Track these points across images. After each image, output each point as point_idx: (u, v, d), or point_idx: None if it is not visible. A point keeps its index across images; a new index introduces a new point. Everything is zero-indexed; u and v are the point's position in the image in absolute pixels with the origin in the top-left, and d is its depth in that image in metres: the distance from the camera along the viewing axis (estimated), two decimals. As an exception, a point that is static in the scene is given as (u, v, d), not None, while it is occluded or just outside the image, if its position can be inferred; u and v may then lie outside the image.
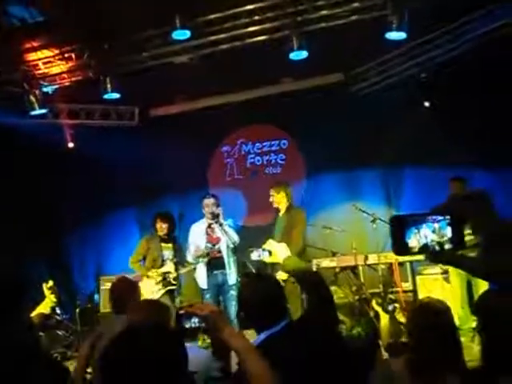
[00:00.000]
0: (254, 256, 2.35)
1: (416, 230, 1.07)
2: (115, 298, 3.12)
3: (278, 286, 1.99)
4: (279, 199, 4.85)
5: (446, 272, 4.97)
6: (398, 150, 6.05)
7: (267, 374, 1.34)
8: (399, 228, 1.07)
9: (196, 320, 1.60)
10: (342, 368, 1.79)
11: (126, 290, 3.08)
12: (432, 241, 1.05)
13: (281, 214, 4.90)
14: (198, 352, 2.33)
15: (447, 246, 1.05)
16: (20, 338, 1.75)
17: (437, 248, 1.05)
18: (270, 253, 2.22)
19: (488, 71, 5.37)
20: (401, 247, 1.07)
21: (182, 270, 5.18)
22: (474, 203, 2.29)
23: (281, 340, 1.80)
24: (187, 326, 1.74)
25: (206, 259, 4.94)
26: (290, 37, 4.93)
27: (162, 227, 5.23)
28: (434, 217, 1.06)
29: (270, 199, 4.89)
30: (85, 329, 5.70)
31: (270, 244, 2.25)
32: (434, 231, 1.06)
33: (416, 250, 1.05)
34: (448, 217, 1.05)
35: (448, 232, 1.05)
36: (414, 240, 1.07)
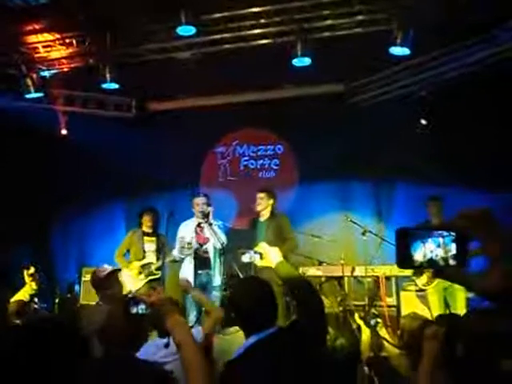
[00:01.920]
0: (245, 258, 2.32)
1: (421, 244, 1.05)
2: (95, 287, 3.14)
3: (271, 290, 1.97)
4: (267, 205, 4.92)
5: (422, 290, 4.98)
6: (391, 164, 6.08)
7: (203, 367, 1.38)
8: (404, 240, 1.05)
9: (143, 307, 1.59)
10: (326, 380, 1.77)
11: (103, 281, 3.10)
12: (437, 255, 1.04)
13: (263, 219, 4.97)
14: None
15: (451, 262, 1.04)
16: None
17: (441, 263, 1.04)
18: (261, 256, 2.19)
19: (488, 93, 5.42)
20: (405, 260, 1.05)
21: (166, 259, 5.13)
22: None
23: (270, 345, 1.77)
24: (134, 311, 1.73)
25: (190, 251, 4.86)
26: (294, 42, 4.94)
27: (146, 221, 5.30)
28: (439, 231, 1.05)
29: (257, 202, 4.92)
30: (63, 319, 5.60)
31: (263, 247, 2.21)
32: (439, 245, 1.05)
33: (420, 263, 1.05)
34: (453, 233, 1.04)
35: (452, 248, 1.04)
36: (420, 253, 1.05)
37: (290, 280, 2.08)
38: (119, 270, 3.46)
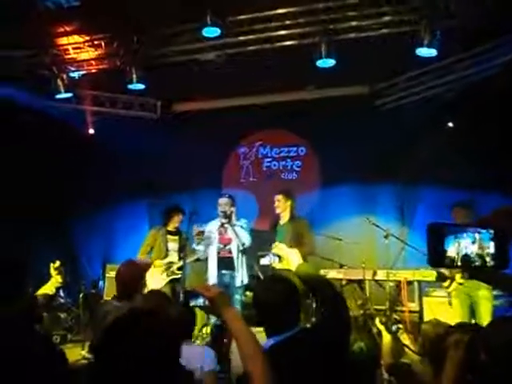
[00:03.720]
0: (265, 261, 2.30)
1: (455, 240, 0.97)
2: (120, 283, 3.07)
3: (296, 290, 1.95)
4: (285, 207, 4.90)
5: (449, 295, 4.86)
6: (416, 167, 5.97)
7: (260, 356, 1.41)
8: (437, 236, 0.96)
9: (202, 300, 1.69)
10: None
11: (131, 276, 3.03)
12: (472, 252, 0.95)
13: (282, 222, 4.95)
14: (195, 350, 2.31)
15: (490, 262, 0.95)
16: (17, 321, 1.75)
17: (477, 262, 0.95)
18: (280, 258, 2.17)
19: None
20: (437, 257, 0.97)
21: (188, 259, 5.15)
22: None
23: (289, 347, 1.75)
24: (192, 304, 1.77)
25: (203, 241, 4.86)
26: (319, 44, 4.92)
27: (175, 220, 5.32)
28: (476, 228, 0.97)
29: (276, 204, 4.91)
30: (86, 314, 5.73)
31: (281, 248, 2.20)
32: (474, 242, 0.96)
33: (453, 260, 0.95)
34: (491, 231, 0.96)
35: (491, 246, 0.96)
36: (453, 250, 0.96)
37: (311, 281, 2.05)
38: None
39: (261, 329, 1.93)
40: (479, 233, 0.95)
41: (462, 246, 0.94)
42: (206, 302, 1.68)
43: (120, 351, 1.16)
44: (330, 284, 2.06)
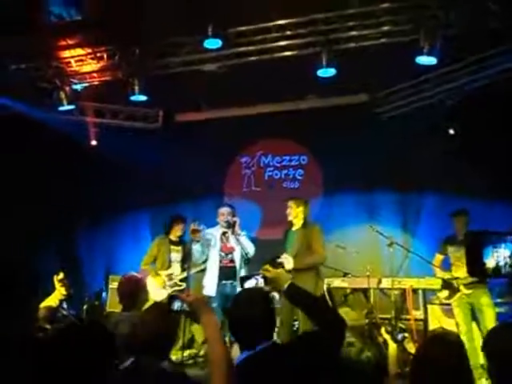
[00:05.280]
0: (250, 283, 2.20)
1: (494, 250, 0.94)
2: (122, 296, 3.10)
3: (268, 305, 1.93)
4: (297, 213, 4.78)
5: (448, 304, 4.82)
6: (418, 175, 5.98)
7: (224, 365, 1.48)
8: (477, 246, 0.94)
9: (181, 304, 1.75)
10: None
11: (129, 291, 3.05)
12: (509, 263, 0.92)
13: (294, 228, 4.83)
14: None
15: None
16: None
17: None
18: (267, 281, 2.10)
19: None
20: (477, 267, 0.95)
21: (191, 271, 5.10)
22: None
23: (258, 362, 1.75)
24: (175, 307, 1.81)
25: (198, 237, 4.69)
26: (319, 53, 4.96)
27: (177, 230, 5.28)
28: None
29: (288, 211, 4.81)
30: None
31: (270, 270, 2.11)
32: None
33: (491, 271, 0.92)
34: None
35: None
36: (492, 261, 0.94)
37: (299, 302, 2.06)
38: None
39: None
40: None
41: (502, 255, 0.92)
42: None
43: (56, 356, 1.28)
44: (320, 300, 2.05)
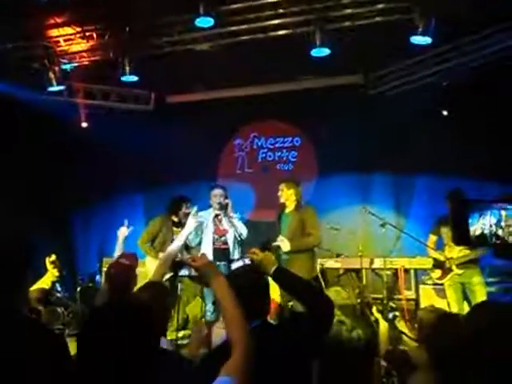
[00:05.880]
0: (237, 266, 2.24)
1: (480, 217, 0.92)
2: (113, 290, 2.97)
3: (260, 283, 1.97)
4: (288, 196, 4.80)
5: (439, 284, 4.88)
6: (412, 156, 5.98)
7: (242, 322, 1.50)
8: (462, 213, 0.91)
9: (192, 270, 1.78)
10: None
11: (123, 282, 2.94)
12: (495, 232, 0.90)
13: (287, 210, 4.85)
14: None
15: None
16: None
17: (497, 241, 0.91)
18: (254, 263, 2.11)
19: (510, 83, 5.27)
20: (462, 236, 0.92)
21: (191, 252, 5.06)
22: None
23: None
24: (182, 273, 1.80)
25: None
26: (313, 32, 4.88)
27: (184, 212, 5.05)
28: (501, 204, 0.92)
29: (279, 193, 4.84)
30: (84, 308, 5.72)
31: (258, 254, 2.11)
32: (499, 220, 0.92)
33: (476, 240, 0.90)
34: None
35: None
36: (478, 228, 0.92)
37: (286, 286, 2.09)
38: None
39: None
40: (505, 209, 0.91)
41: (487, 223, 0.90)
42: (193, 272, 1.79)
43: (99, 339, 1.23)
44: (309, 284, 2.07)
